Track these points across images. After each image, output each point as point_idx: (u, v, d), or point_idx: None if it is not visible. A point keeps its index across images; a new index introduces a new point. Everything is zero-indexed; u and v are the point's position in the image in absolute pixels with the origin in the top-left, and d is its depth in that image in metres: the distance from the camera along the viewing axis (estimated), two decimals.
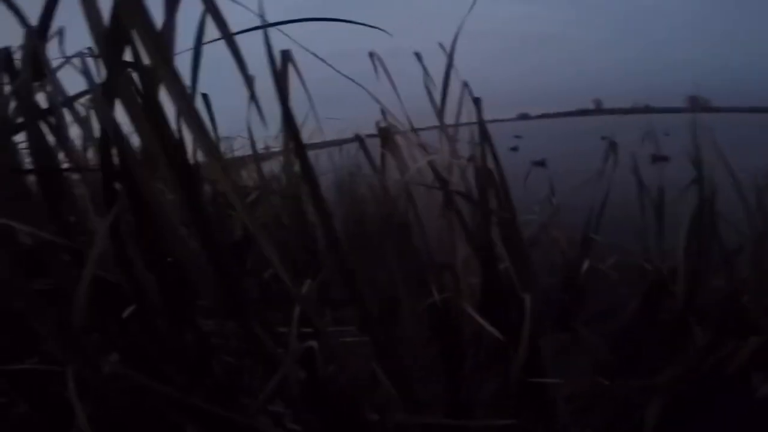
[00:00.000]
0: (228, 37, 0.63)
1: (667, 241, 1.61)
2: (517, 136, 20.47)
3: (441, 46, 1.19)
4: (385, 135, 1.00)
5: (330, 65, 0.73)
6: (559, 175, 2.72)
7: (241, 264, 1.73)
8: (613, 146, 1.92)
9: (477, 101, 1.08)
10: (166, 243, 0.67)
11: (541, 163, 7.18)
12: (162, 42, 0.59)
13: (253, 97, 0.71)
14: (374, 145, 1.25)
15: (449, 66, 1.15)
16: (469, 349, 1.23)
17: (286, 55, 0.77)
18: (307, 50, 0.73)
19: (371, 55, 1.17)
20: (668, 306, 1.51)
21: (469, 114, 1.15)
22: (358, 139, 1.13)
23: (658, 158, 2.87)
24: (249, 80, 0.68)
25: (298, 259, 1.49)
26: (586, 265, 1.71)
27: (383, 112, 1.15)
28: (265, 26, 0.70)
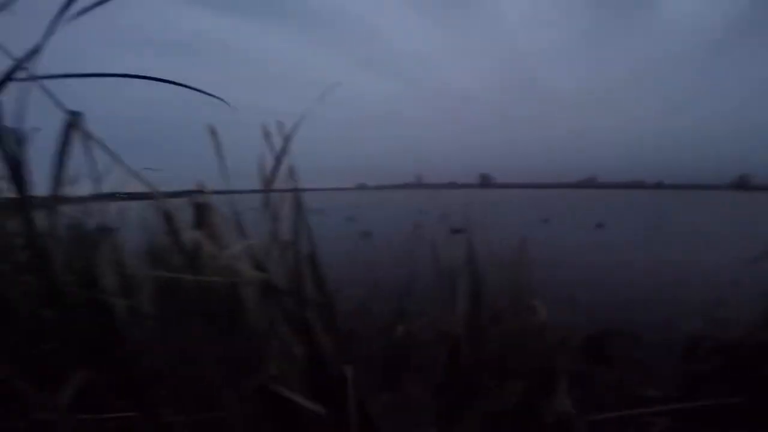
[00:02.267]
0: None
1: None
2: (353, 208, 22.21)
3: (280, 123, 1.22)
4: (200, 209, 0.98)
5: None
6: (383, 245, 3.04)
7: None
8: (419, 224, 2.28)
9: (297, 195, 1.16)
10: None
11: (367, 234, 8.01)
12: None
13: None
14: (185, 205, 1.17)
15: (285, 144, 1.18)
16: (300, 424, 1.21)
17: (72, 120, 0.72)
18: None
19: (210, 128, 1.14)
20: (463, 359, 1.82)
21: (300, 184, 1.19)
22: (165, 217, 1.05)
23: (456, 230, 3.54)
24: None
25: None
26: (401, 330, 1.93)
27: (201, 185, 1.11)
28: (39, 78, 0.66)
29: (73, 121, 0.74)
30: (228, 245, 0.99)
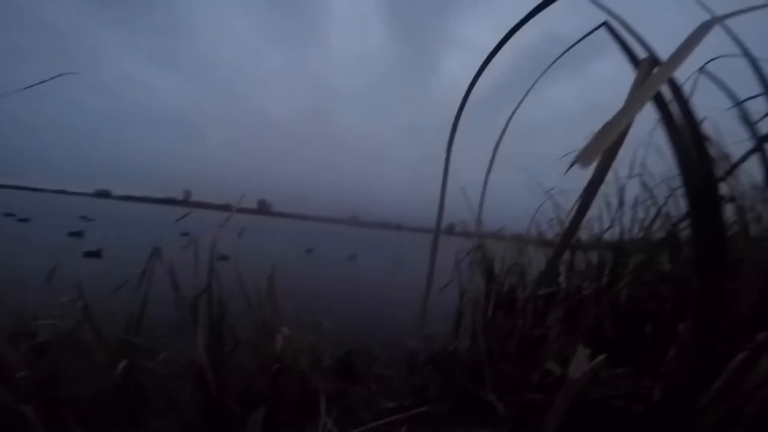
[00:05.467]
0: None
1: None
2: (86, 218, 17.48)
3: None
4: None
5: None
6: (115, 269, 2.50)
7: None
8: (157, 251, 1.96)
9: None
10: None
11: (96, 254, 6.46)
12: None
13: None
14: None
15: None
16: None
17: None
18: None
19: None
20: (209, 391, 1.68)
21: None
22: None
23: (221, 257, 3.28)
24: None
25: None
26: (123, 365, 1.61)
27: None
28: None
29: None
30: None
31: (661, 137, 0.77)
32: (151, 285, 1.81)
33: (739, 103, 1.00)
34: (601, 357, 1.39)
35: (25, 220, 12.71)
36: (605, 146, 0.34)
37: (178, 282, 1.90)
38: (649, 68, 0.60)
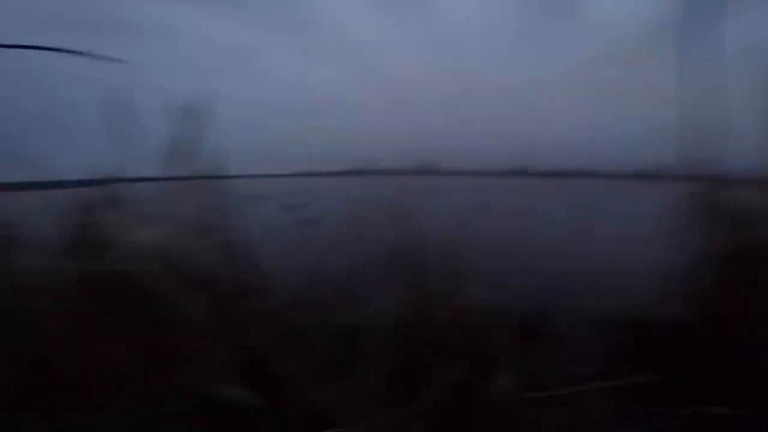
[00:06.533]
0: None
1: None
2: (297, 195, 21.44)
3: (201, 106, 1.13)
4: (112, 200, 0.87)
5: None
6: (328, 234, 2.99)
7: None
8: (364, 210, 2.25)
9: (227, 182, 1.09)
10: None
11: (311, 222, 7.92)
12: None
13: None
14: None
15: (201, 127, 1.10)
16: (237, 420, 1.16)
17: None
18: None
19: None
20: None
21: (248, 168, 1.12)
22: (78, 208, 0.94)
23: (399, 217, 3.55)
24: None
25: None
26: (345, 317, 1.91)
27: (112, 172, 1.00)
28: None
29: None
30: (140, 233, 0.90)
31: None
32: (359, 245, 2.08)
33: None
34: None
35: (258, 197, 16.14)
36: None
37: (370, 242, 2.14)
38: None
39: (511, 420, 1.54)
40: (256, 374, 1.14)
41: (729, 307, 1.75)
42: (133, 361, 1.05)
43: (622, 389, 1.61)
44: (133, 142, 1.00)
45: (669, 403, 1.49)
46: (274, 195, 18.96)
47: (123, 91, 1.03)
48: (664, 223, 2.17)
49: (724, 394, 1.38)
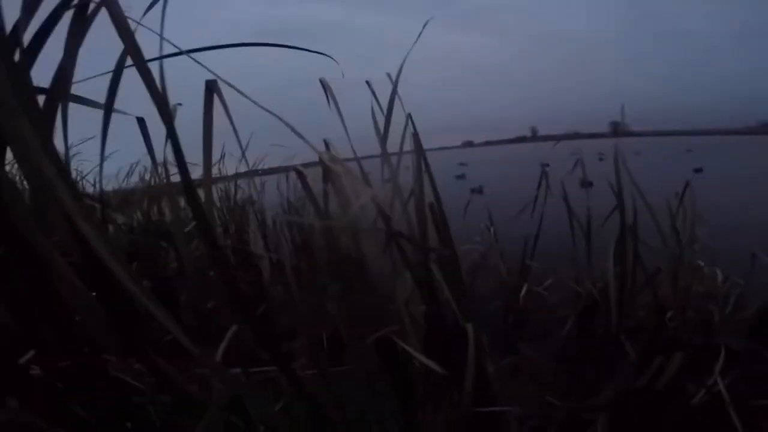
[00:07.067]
0: (141, 64, 0.58)
1: (596, 264, 1.72)
2: (462, 164, 21.46)
3: (388, 75, 1.20)
4: (327, 167, 0.98)
5: (251, 99, 0.71)
6: (497, 202, 2.85)
7: (173, 298, 1.66)
8: (545, 174, 2.05)
9: (416, 135, 1.10)
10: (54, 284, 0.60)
11: (479, 191, 7.74)
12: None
13: (170, 126, 0.65)
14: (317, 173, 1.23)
15: (393, 95, 1.16)
16: (418, 381, 1.22)
17: (211, 85, 0.72)
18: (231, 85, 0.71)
19: (321, 82, 1.15)
20: (601, 324, 1.61)
21: (413, 143, 1.17)
22: (297, 172, 1.09)
23: (586, 183, 3.09)
24: (165, 109, 0.62)
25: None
26: (524, 289, 1.78)
27: (326, 142, 1.13)
28: (187, 52, 0.67)
29: (211, 94, 0.76)
30: (353, 198, 0.99)
31: None
32: (543, 210, 1.92)
33: None
34: None
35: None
36: None
37: (545, 211, 1.93)
38: None
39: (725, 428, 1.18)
40: (439, 337, 1.15)
41: None
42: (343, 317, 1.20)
43: None
44: (345, 126, 1.14)
45: None
46: (445, 164, 19.37)
47: (333, 81, 1.17)
48: None
49: None
